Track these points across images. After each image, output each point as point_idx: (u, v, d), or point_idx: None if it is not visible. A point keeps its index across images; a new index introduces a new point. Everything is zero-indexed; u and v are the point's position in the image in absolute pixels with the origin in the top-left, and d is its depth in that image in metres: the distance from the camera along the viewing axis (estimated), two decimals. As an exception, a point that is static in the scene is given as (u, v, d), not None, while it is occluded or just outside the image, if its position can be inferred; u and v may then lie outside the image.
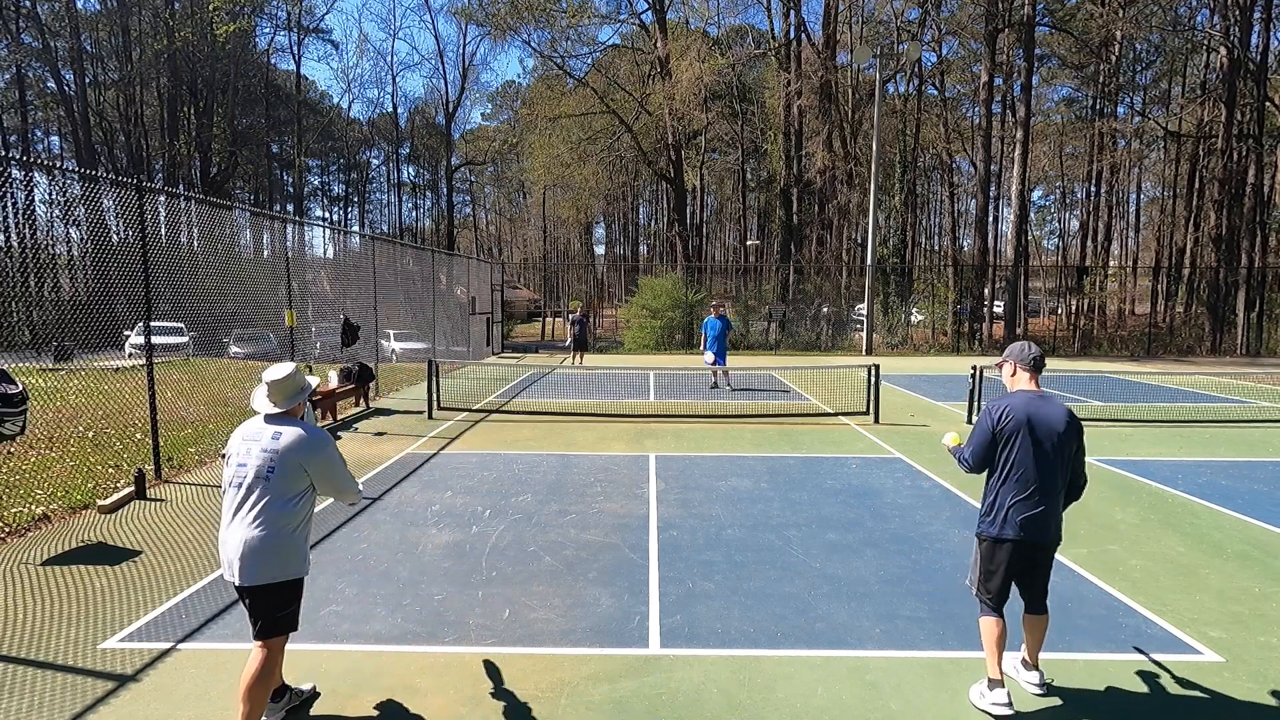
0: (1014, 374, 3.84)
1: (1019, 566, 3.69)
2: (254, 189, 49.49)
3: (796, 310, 30.02)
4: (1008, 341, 27.96)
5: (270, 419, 3.44)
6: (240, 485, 3.32)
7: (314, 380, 3.65)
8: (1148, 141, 39.24)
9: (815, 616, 4.71)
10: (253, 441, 3.36)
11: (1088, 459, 9.02)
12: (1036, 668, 3.86)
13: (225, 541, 3.32)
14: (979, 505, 4.09)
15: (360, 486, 3.74)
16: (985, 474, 3.80)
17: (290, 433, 3.36)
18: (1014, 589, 3.80)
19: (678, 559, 5.66)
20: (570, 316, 22.95)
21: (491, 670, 4.04)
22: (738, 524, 6.50)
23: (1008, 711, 3.52)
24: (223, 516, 3.37)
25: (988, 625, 3.69)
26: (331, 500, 7.16)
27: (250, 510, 3.27)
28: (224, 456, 3.51)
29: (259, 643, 3.33)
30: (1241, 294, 27.11)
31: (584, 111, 35.03)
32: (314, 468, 3.37)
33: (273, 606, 3.32)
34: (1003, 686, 3.58)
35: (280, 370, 3.49)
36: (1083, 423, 3.76)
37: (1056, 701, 3.77)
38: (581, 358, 20.81)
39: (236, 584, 3.29)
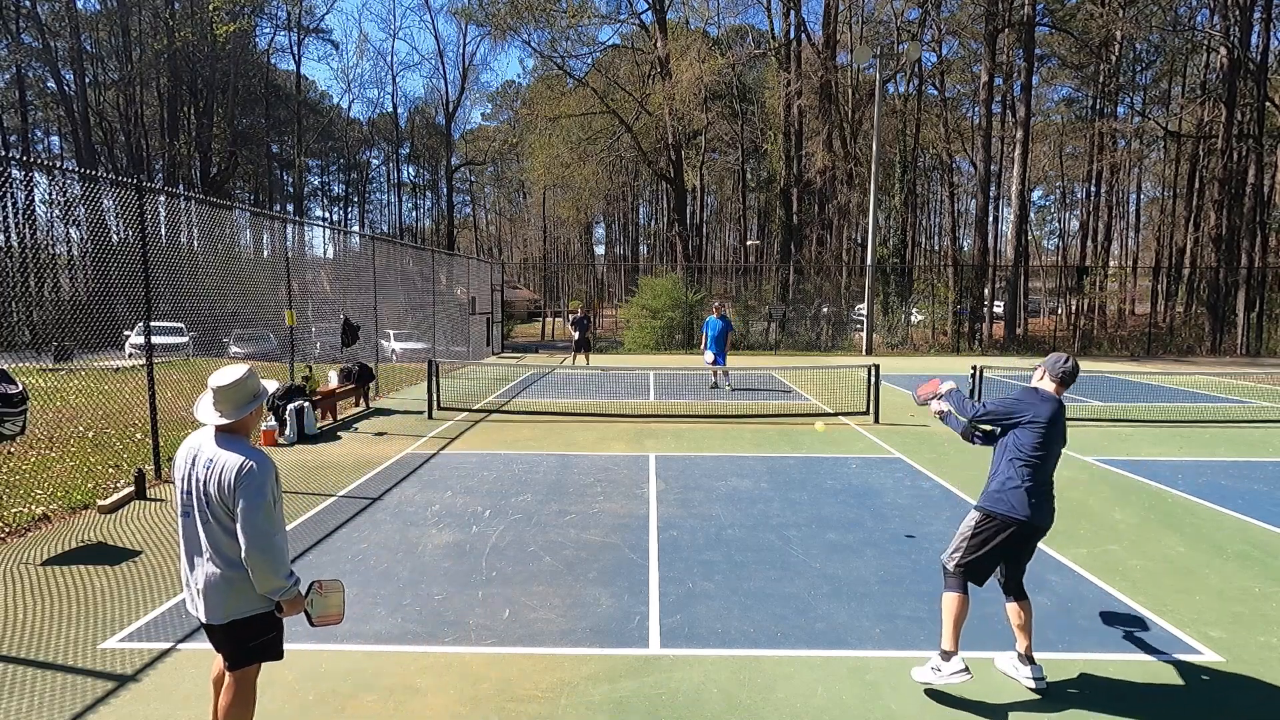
0: (1042, 378, 4.03)
1: (1016, 547, 3.84)
2: (254, 189, 49.46)
3: (796, 310, 30.02)
4: (1007, 341, 28.02)
5: (217, 433, 2.88)
6: (188, 514, 2.85)
7: (271, 385, 3.11)
8: (1148, 141, 39.22)
9: (815, 616, 4.71)
10: (191, 463, 2.86)
11: (1088, 458, 9.06)
12: (1033, 661, 3.87)
13: (185, 575, 2.92)
14: (973, 501, 4.49)
15: (288, 583, 2.85)
16: (1002, 456, 3.91)
17: (224, 459, 2.79)
18: (994, 577, 3.95)
19: (678, 559, 5.66)
20: (571, 317, 22.88)
21: (492, 670, 4.04)
22: (738, 524, 6.51)
23: (968, 678, 3.68)
24: (180, 540, 2.93)
25: (954, 601, 3.79)
26: (329, 502, 7.17)
27: (201, 542, 2.83)
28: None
29: (230, 673, 2.97)
30: (1241, 294, 27.11)
31: (584, 111, 35.01)
32: (238, 508, 2.73)
33: (243, 640, 2.92)
34: (957, 655, 3.71)
35: (229, 374, 2.88)
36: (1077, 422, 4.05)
37: (1056, 701, 3.77)
38: (587, 358, 20.74)
39: (202, 621, 2.90)
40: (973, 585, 3.86)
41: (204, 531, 2.82)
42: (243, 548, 2.75)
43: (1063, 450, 3.92)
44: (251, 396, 2.93)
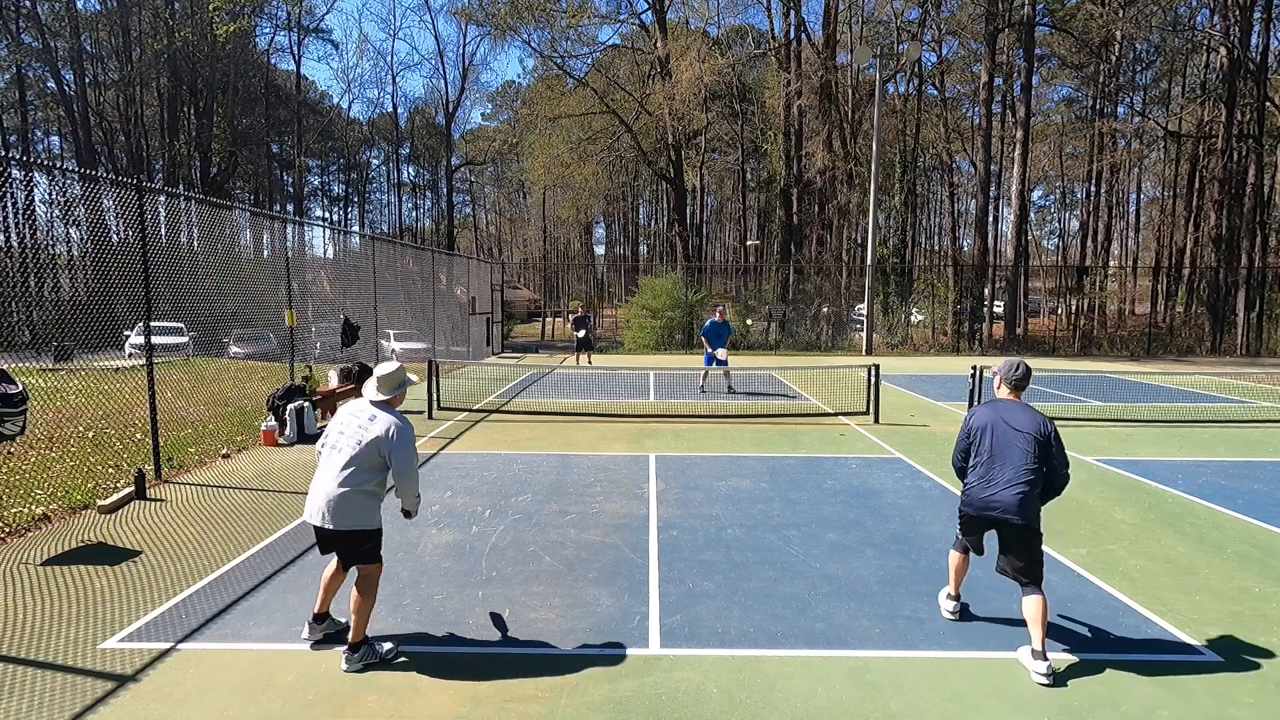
0: (998, 386, 4.55)
1: (981, 530, 4.42)
2: (254, 189, 49.44)
3: (796, 310, 30.01)
4: (1007, 341, 28.00)
5: (374, 403, 4.10)
6: (335, 448, 3.99)
7: (413, 378, 4.25)
8: (1148, 141, 39.22)
9: (815, 616, 4.71)
10: (354, 416, 4.05)
11: (1088, 458, 9.05)
12: (1044, 657, 3.97)
13: (315, 492, 3.99)
14: None
15: (418, 498, 4.18)
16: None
17: (384, 418, 4.00)
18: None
19: (678, 559, 5.66)
20: (573, 317, 22.80)
21: (492, 670, 4.04)
22: (738, 524, 6.51)
23: (953, 617, 4.60)
24: (318, 471, 4.04)
25: (953, 556, 4.65)
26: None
27: (339, 471, 3.93)
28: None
29: (360, 569, 4.07)
30: (1241, 294, 27.10)
31: (584, 111, 34.99)
32: (392, 451, 3.97)
33: (351, 547, 4.02)
34: (955, 600, 4.63)
35: (388, 367, 4.15)
36: (1057, 427, 4.26)
37: (1056, 702, 3.77)
38: (589, 358, 20.69)
39: (318, 527, 3.96)
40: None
41: (346, 463, 3.91)
42: (395, 474, 4.00)
43: (1026, 441, 4.16)
44: (399, 383, 4.15)
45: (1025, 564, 4.16)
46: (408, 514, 4.19)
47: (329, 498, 3.92)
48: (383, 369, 4.14)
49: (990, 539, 4.40)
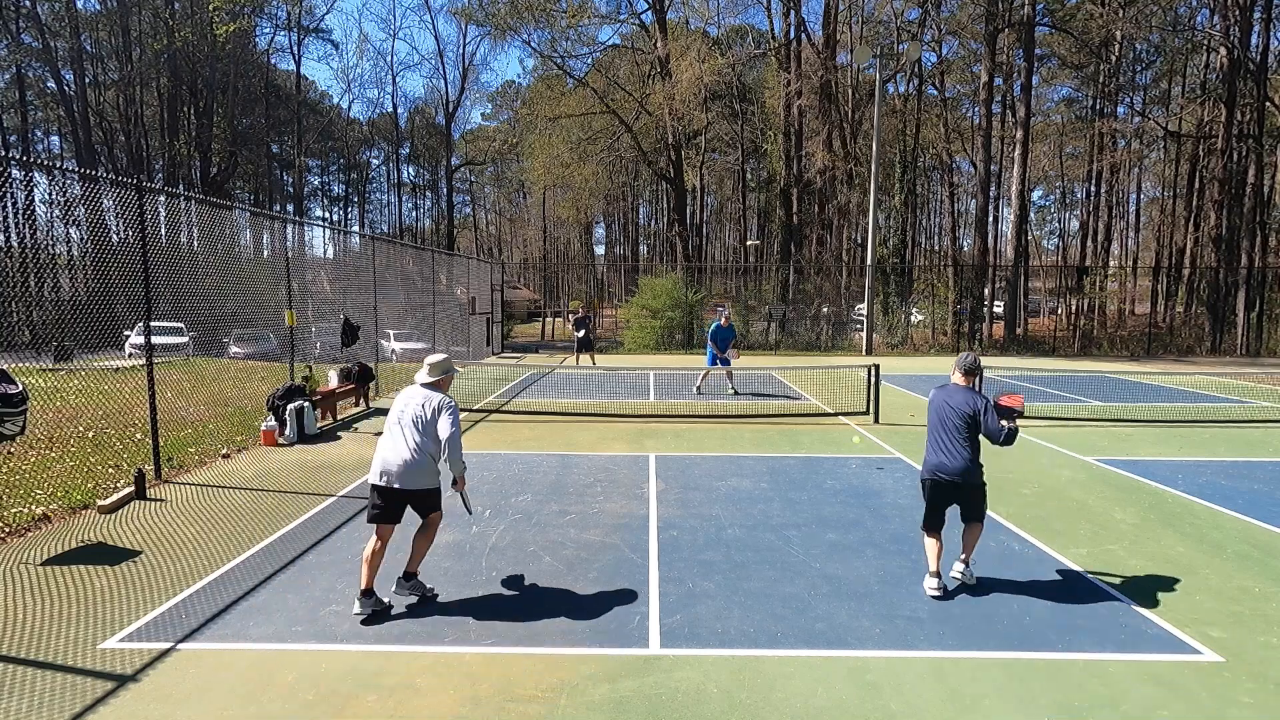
0: (953, 373, 5.32)
1: (937, 495, 5.15)
2: (254, 189, 49.43)
3: (796, 310, 30.01)
4: (1007, 341, 28.03)
5: (426, 386, 4.91)
6: (401, 424, 4.76)
7: (458, 368, 5.10)
8: (1148, 141, 39.21)
9: (815, 616, 4.71)
10: (412, 398, 4.85)
11: (1088, 458, 9.07)
12: (966, 564, 5.23)
13: (387, 459, 4.68)
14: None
15: (465, 466, 4.83)
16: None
17: (436, 398, 4.84)
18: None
19: (678, 559, 5.66)
20: (573, 317, 22.75)
21: (492, 670, 4.04)
22: (738, 524, 6.51)
23: (937, 593, 5.06)
24: (385, 442, 4.78)
25: (925, 540, 5.25)
26: (329, 501, 7.17)
27: (408, 441, 4.70)
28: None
29: (426, 517, 4.86)
30: (1241, 294, 27.10)
31: (584, 111, 34.98)
32: (442, 423, 4.72)
33: (421, 501, 4.80)
34: (936, 577, 5.11)
35: (436, 356, 5.06)
36: (990, 402, 5.08)
37: (1056, 702, 3.77)
38: (592, 358, 20.62)
39: (385, 488, 4.67)
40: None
41: (413, 435, 4.71)
42: (445, 445, 4.68)
43: (960, 418, 5.03)
44: (445, 370, 4.98)
45: (969, 508, 5.16)
46: (456, 481, 4.79)
47: (400, 466, 4.66)
48: (432, 358, 5.02)
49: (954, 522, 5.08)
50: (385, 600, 4.75)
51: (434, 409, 4.76)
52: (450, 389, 5.03)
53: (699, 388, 14.87)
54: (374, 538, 4.71)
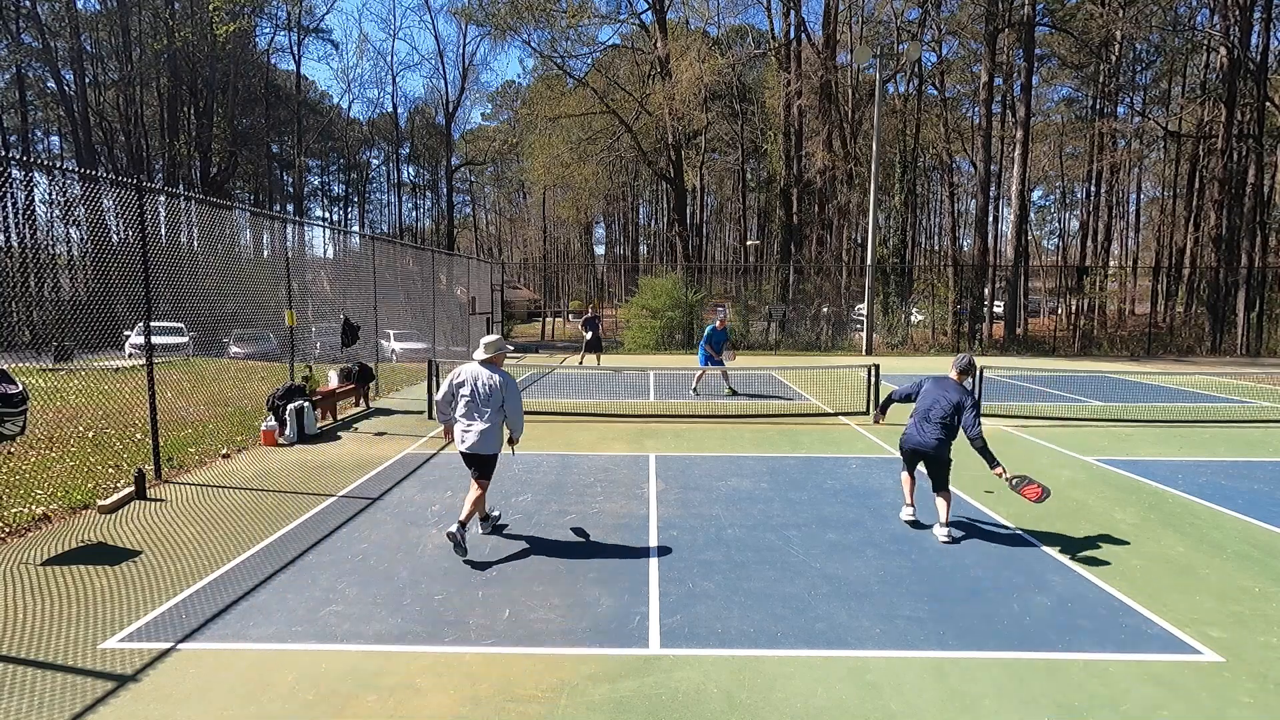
0: (951, 370, 6.36)
1: (911, 459, 6.48)
2: (254, 189, 49.42)
3: (796, 310, 30.00)
4: (1007, 341, 28.04)
5: (483, 363, 5.88)
6: (469, 399, 5.81)
7: (509, 345, 6.29)
8: (1148, 141, 39.21)
9: (815, 616, 4.71)
10: (475, 375, 5.84)
11: (1088, 458, 9.06)
12: (945, 525, 6.18)
13: (466, 429, 5.82)
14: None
15: (523, 429, 6.00)
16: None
17: (496, 372, 5.86)
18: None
19: (678, 559, 5.66)
20: (582, 318, 22.56)
21: (492, 670, 4.04)
22: (738, 524, 6.51)
23: (911, 518, 6.49)
24: (459, 414, 5.87)
25: (903, 477, 6.61)
26: (329, 501, 7.18)
27: (479, 412, 5.78)
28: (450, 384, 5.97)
29: (477, 480, 5.90)
30: (1241, 294, 27.09)
31: (584, 111, 34.97)
32: (508, 397, 5.79)
33: (485, 465, 5.90)
34: (911, 508, 6.52)
35: (490, 336, 6.01)
36: (977, 402, 6.16)
37: (1056, 702, 3.77)
38: (598, 359, 20.55)
39: (467, 452, 5.83)
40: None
41: (482, 407, 5.77)
42: (508, 413, 5.79)
43: (948, 406, 6.10)
44: (499, 348, 5.92)
45: (937, 480, 6.23)
46: (513, 441, 5.95)
47: (478, 432, 5.77)
48: (486, 338, 5.98)
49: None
50: (495, 514, 6.42)
51: (499, 385, 5.78)
52: (500, 364, 5.96)
53: (695, 389, 14.81)
54: (474, 490, 5.95)
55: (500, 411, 5.77)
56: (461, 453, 5.86)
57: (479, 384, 5.77)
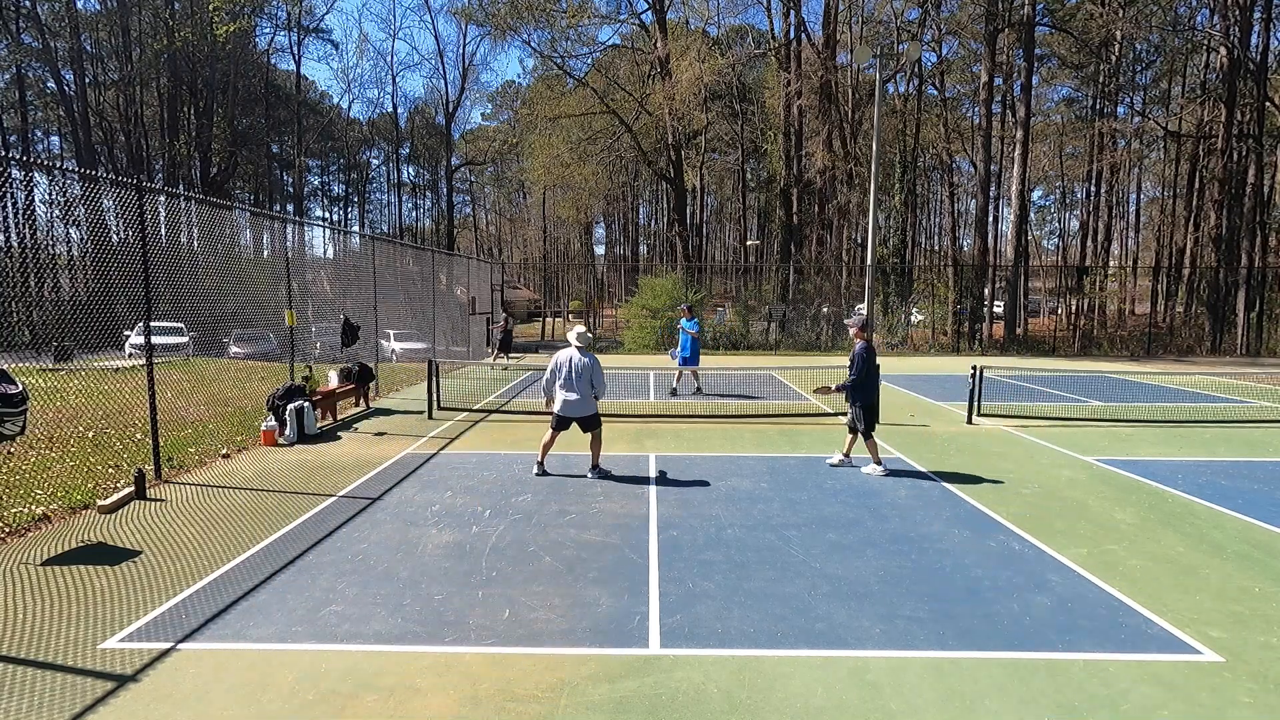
0: (857, 333, 8.36)
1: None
2: (254, 189, 49.43)
3: (796, 310, 29.99)
4: (1007, 341, 28.03)
5: (578, 349, 7.94)
6: (568, 376, 7.89)
7: (590, 335, 8.81)
8: (1148, 141, 39.20)
9: (815, 616, 4.71)
10: (570, 357, 7.92)
11: (1088, 458, 9.07)
12: (879, 463, 8.32)
13: (567, 400, 7.91)
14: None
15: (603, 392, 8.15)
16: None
17: (587, 357, 7.95)
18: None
19: (678, 559, 5.66)
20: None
21: (492, 670, 4.04)
22: (737, 524, 6.51)
23: (881, 473, 8.22)
24: (560, 389, 7.97)
25: (870, 442, 8.35)
26: (329, 501, 7.19)
27: (577, 389, 7.89)
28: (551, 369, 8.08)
29: (592, 433, 8.14)
30: (1241, 294, 27.09)
31: (584, 111, 34.96)
32: (594, 374, 7.95)
33: (587, 422, 8.06)
34: (879, 464, 8.29)
35: (579, 328, 8.10)
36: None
37: (1056, 702, 3.77)
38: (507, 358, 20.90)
39: (571, 417, 7.97)
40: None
41: (579, 383, 7.89)
42: (594, 384, 7.98)
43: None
44: (587, 341, 8.05)
45: (864, 425, 8.28)
46: (597, 398, 8.06)
47: (578, 402, 7.91)
48: (576, 329, 8.07)
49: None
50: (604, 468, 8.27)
51: (588, 365, 7.88)
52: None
53: (675, 388, 14.84)
54: (550, 435, 8.13)
55: (589, 384, 7.87)
56: (558, 415, 7.93)
57: (573, 364, 7.82)
